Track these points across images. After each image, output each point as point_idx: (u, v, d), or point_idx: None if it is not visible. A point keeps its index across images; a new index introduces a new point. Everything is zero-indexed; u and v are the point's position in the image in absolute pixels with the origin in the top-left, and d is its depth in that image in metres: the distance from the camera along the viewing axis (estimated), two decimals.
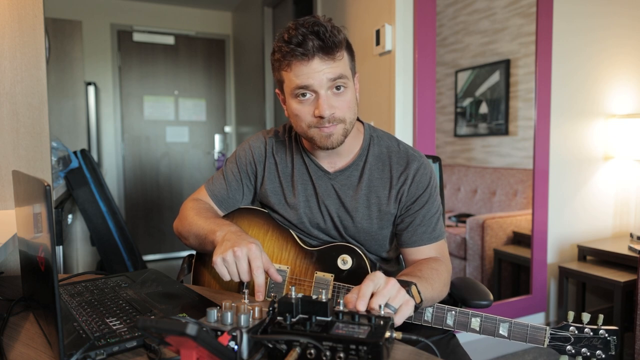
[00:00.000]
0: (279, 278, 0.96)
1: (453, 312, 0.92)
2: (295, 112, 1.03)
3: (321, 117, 0.99)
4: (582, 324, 0.89)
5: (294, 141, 1.18)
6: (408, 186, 1.10)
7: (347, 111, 1.02)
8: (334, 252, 1.08)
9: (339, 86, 1.00)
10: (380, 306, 0.73)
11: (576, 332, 0.89)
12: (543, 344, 0.89)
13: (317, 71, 0.97)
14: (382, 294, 0.77)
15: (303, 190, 1.14)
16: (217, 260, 0.93)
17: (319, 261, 1.08)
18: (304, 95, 1.00)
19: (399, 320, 0.78)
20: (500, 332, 0.91)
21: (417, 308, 0.85)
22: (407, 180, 1.10)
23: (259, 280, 0.91)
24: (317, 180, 1.13)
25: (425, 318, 0.93)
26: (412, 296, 0.83)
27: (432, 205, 1.10)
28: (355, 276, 1.05)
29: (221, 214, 1.20)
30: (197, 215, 1.11)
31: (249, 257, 0.92)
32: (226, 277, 0.93)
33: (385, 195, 1.10)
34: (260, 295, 0.91)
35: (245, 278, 0.92)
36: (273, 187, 1.17)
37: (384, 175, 1.12)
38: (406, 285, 0.85)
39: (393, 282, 0.80)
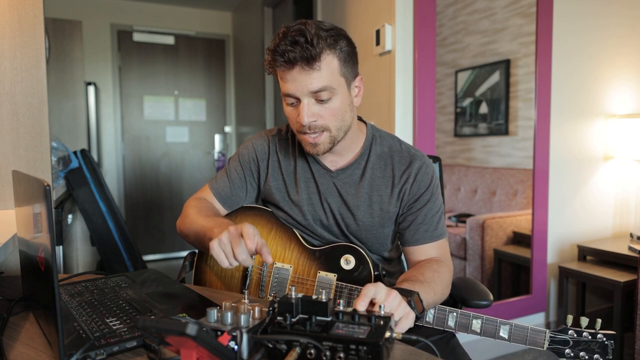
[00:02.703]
0: (269, 259, 0.91)
1: (454, 313, 0.93)
2: (287, 114, 1.07)
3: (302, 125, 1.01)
4: (581, 327, 0.90)
5: (297, 139, 1.18)
6: (410, 185, 1.10)
7: (331, 119, 1.02)
8: (337, 252, 1.08)
9: (322, 99, 1.00)
10: (380, 306, 0.73)
11: (575, 335, 0.89)
12: (543, 347, 0.90)
13: (298, 80, 0.98)
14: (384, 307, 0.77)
15: (306, 187, 1.15)
16: (214, 245, 0.91)
17: (321, 261, 1.09)
18: (290, 101, 1.03)
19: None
20: (501, 334, 0.91)
21: (419, 318, 0.85)
22: (409, 179, 1.10)
23: (257, 245, 0.88)
24: (319, 178, 1.14)
25: (427, 319, 0.93)
26: (414, 307, 0.84)
27: (434, 204, 1.11)
28: (358, 276, 1.05)
29: (225, 212, 1.20)
30: (198, 214, 1.11)
31: (242, 235, 0.90)
32: (224, 262, 0.90)
33: (387, 193, 1.11)
34: (268, 258, 0.89)
35: (241, 256, 0.89)
36: (277, 185, 1.17)
37: (386, 174, 1.12)
38: (408, 295, 0.85)
39: (394, 295, 0.81)
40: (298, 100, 1.01)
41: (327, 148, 1.05)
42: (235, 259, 0.90)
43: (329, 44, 0.98)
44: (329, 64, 0.98)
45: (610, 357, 0.88)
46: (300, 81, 0.98)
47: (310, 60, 0.96)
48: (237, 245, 0.89)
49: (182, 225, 1.16)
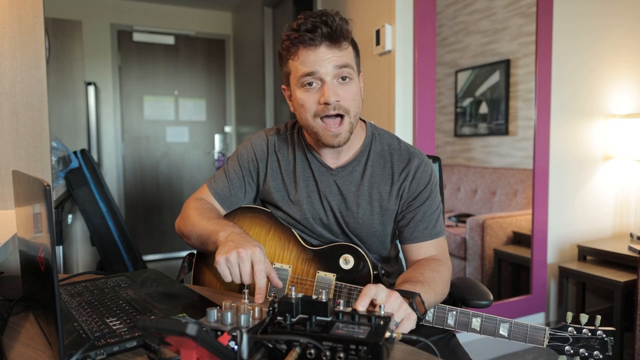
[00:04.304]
0: (279, 283, 0.96)
1: (454, 312, 0.93)
2: (301, 102, 1.04)
3: (327, 104, 1.01)
4: (581, 324, 0.90)
5: (297, 137, 1.18)
6: (409, 183, 1.10)
7: (351, 102, 1.04)
8: (336, 251, 1.08)
9: (345, 76, 1.02)
10: (380, 306, 0.73)
11: (574, 332, 0.89)
12: (542, 344, 0.90)
13: (323, 59, 1.00)
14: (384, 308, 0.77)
15: (305, 186, 1.15)
16: (220, 260, 0.92)
17: (320, 261, 1.09)
18: (310, 83, 1.02)
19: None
20: (501, 332, 0.91)
21: (421, 319, 0.85)
22: (408, 177, 1.11)
23: (261, 283, 0.91)
24: (319, 176, 1.14)
25: (427, 318, 0.93)
26: (416, 308, 0.84)
27: (432, 202, 1.11)
28: (357, 276, 1.05)
29: (224, 212, 1.20)
30: (200, 216, 1.11)
31: (252, 260, 0.91)
32: (227, 278, 0.93)
33: (386, 191, 1.11)
34: (260, 298, 0.90)
35: (246, 280, 0.92)
36: (276, 184, 1.17)
37: (385, 171, 1.12)
38: (410, 296, 0.85)
39: (395, 296, 0.81)
40: (319, 81, 1.02)
41: (347, 137, 1.06)
42: (240, 280, 0.93)
43: (351, 28, 1.04)
44: (349, 49, 1.04)
45: (610, 354, 0.88)
46: (326, 58, 1.00)
47: (339, 36, 1.00)
48: (244, 269, 0.91)
49: (182, 226, 1.16)
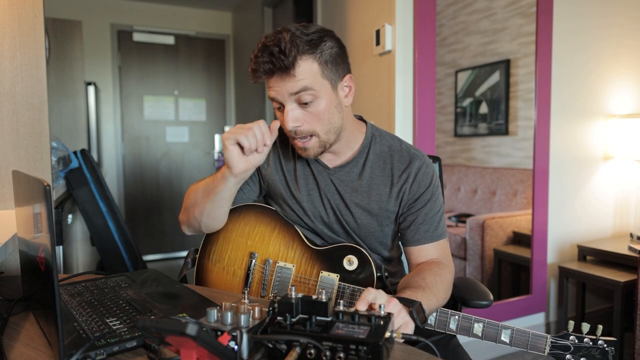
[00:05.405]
0: (275, 127, 1.04)
1: (456, 316, 0.93)
2: (278, 119, 1.08)
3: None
4: (582, 333, 0.90)
5: None
6: (410, 184, 1.10)
7: (316, 123, 1.02)
8: (340, 252, 1.08)
9: (304, 102, 1.00)
10: (380, 306, 0.73)
11: (576, 341, 0.90)
12: (544, 352, 0.90)
13: (278, 86, 1.00)
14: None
15: (305, 184, 1.15)
16: (227, 141, 1.00)
17: (324, 261, 1.09)
18: (276, 105, 1.04)
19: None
20: (502, 338, 0.91)
21: (420, 328, 0.85)
22: (409, 179, 1.10)
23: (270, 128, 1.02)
24: (318, 174, 1.15)
25: (429, 322, 0.93)
26: (416, 317, 0.83)
27: (434, 204, 1.11)
28: (361, 277, 1.05)
29: None
30: (198, 182, 1.16)
31: (250, 126, 1.00)
32: (244, 143, 0.99)
33: (386, 192, 1.11)
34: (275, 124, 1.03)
35: (253, 144, 1.00)
36: (279, 178, 1.18)
37: (385, 173, 1.12)
38: (410, 304, 0.85)
39: (394, 303, 0.81)
40: (283, 105, 1.02)
41: (317, 152, 1.06)
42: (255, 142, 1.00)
43: (305, 50, 0.97)
44: (308, 69, 0.98)
45: None
46: (280, 87, 0.99)
47: (284, 69, 0.97)
48: (250, 132, 1.00)
49: (187, 201, 1.16)
